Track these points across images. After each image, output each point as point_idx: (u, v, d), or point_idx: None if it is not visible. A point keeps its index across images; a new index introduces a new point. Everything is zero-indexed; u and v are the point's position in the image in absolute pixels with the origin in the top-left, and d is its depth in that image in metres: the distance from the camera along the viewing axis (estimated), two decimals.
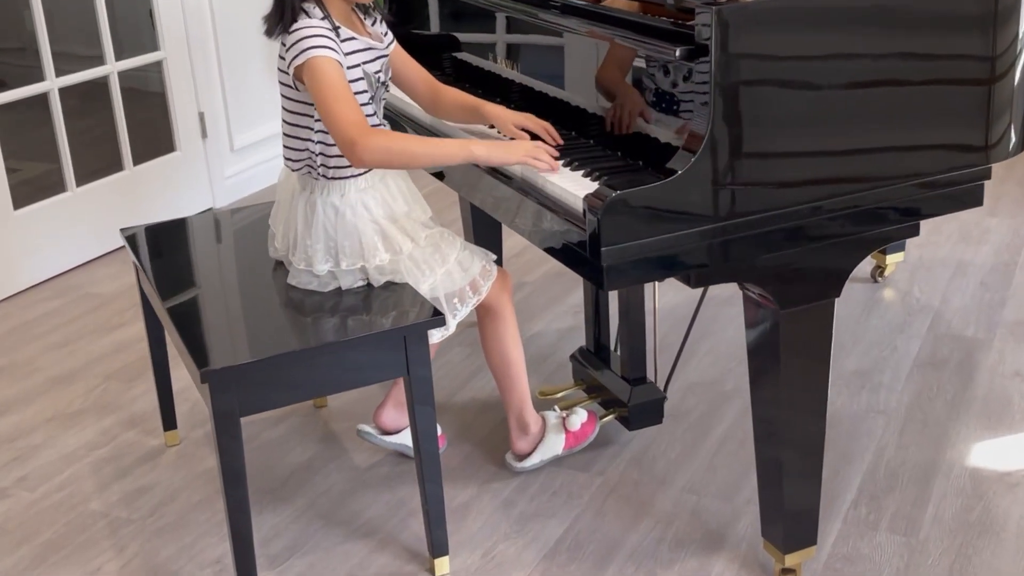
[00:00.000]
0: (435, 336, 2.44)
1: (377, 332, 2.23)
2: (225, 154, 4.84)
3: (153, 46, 4.51)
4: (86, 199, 4.29)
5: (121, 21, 4.67)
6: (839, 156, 2.02)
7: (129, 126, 4.41)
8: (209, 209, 4.78)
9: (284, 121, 2.42)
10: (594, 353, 3.01)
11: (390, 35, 2.50)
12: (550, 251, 2.13)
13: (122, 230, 2.85)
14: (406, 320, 2.27)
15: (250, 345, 2.24)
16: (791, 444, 2.20)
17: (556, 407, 2.86)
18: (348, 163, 2.33)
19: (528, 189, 2.20)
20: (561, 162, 2.19)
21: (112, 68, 4.34)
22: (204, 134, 4.72)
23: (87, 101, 4.58)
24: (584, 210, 1.95)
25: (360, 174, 2.40)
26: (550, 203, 2.11)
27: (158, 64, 4.53)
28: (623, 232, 1.90)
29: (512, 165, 2.21)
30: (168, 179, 4.61)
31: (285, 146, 2.44)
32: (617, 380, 2.87)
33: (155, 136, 4.63)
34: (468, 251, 2.52)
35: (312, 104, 2.31)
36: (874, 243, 2.11)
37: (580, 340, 3.46)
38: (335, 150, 2.35)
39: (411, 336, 2.26)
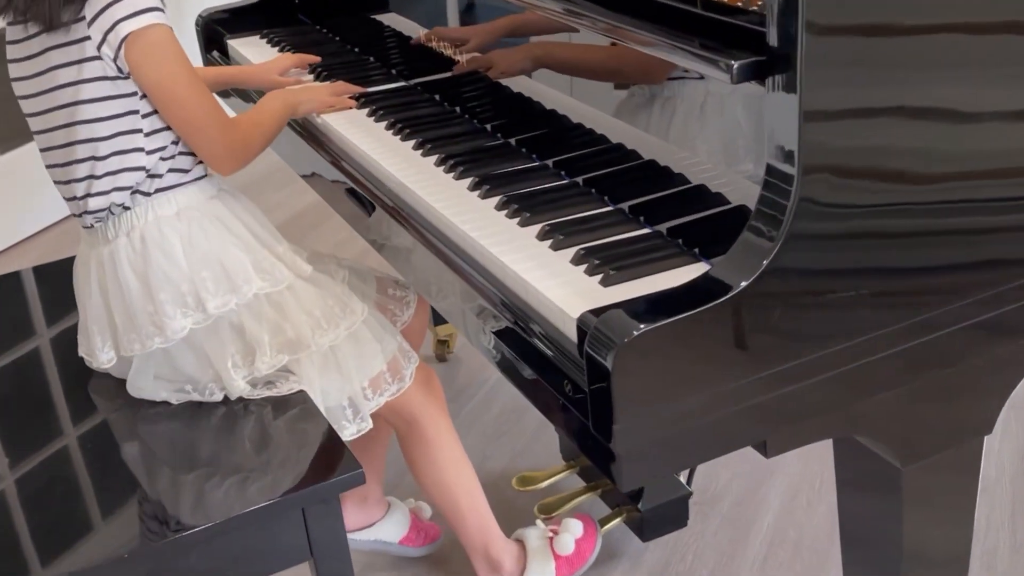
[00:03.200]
0: (348, 432, 1.67)
1: (258, 507, 1.41)
2: None
3: None
4: None
5: None
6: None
7: None
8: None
9: (80, 150, 1.56)
10: None
11: None
12: (518, 385, 1.31)
13: None
14: (302, 471, 1.46)
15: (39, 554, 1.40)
16: None
17: (539, 519, 2.06)
18: (184, 166, 1.60)
19: (465, 258, 1.38)
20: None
21: None
22: None
23: None
24: (580, 342, 1.13)
25: (202, 176, 1.64)
26: (511, 303, 1.28)
27: None
28: (652, 393, 1.08)
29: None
30: (24, 177, 3.68)
31: (87, 193, 1.58)
32: None
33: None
34: (376, 319, 1.74)
35: (134, 95, 1.53)
36: None
37: None
38: (173, 150, 1.59)
39: (314, 509, 1.44)
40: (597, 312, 1.13)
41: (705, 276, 1.11)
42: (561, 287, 1.23)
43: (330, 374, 1.65)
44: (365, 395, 1.69)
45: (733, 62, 1.08)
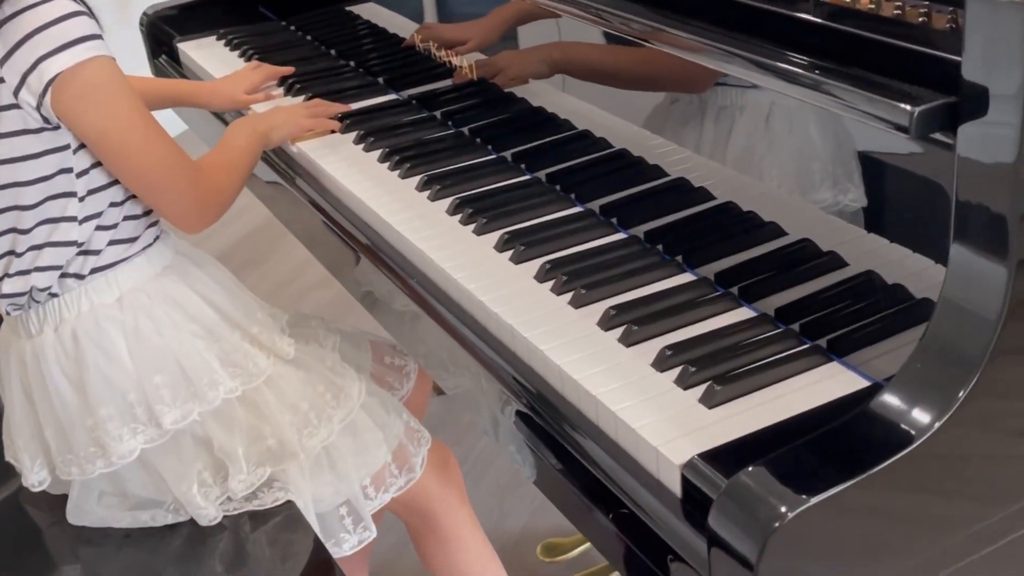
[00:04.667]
0: (347, 545, 1.34)
1: None
2: None
3: None
4: None
5: None
6: None
7: None
8: None
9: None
10: None
11: None
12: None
13: None
14: None
15: None
16: None
17: None
18: (129, 234, 1.24)
19: (497, 349, 1.04)
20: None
21: None
22: None
23: None
24: (686, 496, 0.80)
25: (149, 244, 1.27)
26: (569, 420, 0.95)
27: None
28: None
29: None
30: None
31: (5, 273, 1.23)
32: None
33: None
34: (377, 398, 1.38)
35: (66, 148, 1.17)
36: None
37: None
38: (114, 216, 1.22)
39: None
40: (713, 459, 0.80)
41: (872, 415, 0.77)
42: (645, 408, 0.89)
43: (323, 477, 1.31)
44: (367, 494, 1.36)
45: (912, 107, 0.74)
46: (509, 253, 1.15)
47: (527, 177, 1.31)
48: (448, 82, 1.54)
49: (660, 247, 1.12)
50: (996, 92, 0.71)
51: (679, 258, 1.09)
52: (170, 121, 1.94)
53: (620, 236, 1.16)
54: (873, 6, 0.83)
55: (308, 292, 2.91)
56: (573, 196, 1.24)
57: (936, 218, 0.82)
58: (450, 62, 1.53)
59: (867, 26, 0.83)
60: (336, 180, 1.36)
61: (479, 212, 1.22)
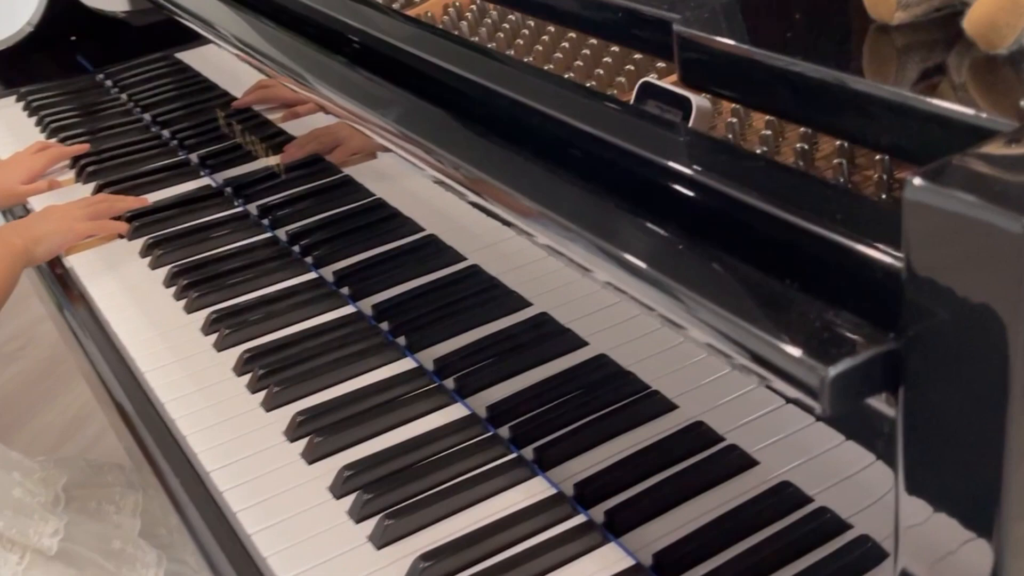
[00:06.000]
0: None
1: None
2: None
3: None
4: None
5: None
6: None
7: None
8: None
9: None
10: None
11: None
12: None
13: None
14: None
15: None
16: None
17: None
18: None
19: None
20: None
21: None
22: None
23: None
24: None
25: None
26: None
27: None
28: None
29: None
30: None
31: None
32: None
33: None
34: None
35: None
36: None
37: None
38: None
39: None
40: None
41: None
42: None
43: None
44: None
45: (826, 367, 0.43)
46: (302, 445, 0.82)
47: (349, 310, 0.99)
48: (275, 161, 1.22)
49: (508, 432, 0.80)
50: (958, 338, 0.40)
51: (530, 450, 0.78)
52: None
53: (459, 412, 0.84)
54: (767, 143, 0.52)
55: None
56: (403, 342, 0.93)
57: None
58: (281, 130, 1.21)
59: (756, 186, 0.52)
60: (101, 312, 1.04)
61: (274, 372, 0.90)
